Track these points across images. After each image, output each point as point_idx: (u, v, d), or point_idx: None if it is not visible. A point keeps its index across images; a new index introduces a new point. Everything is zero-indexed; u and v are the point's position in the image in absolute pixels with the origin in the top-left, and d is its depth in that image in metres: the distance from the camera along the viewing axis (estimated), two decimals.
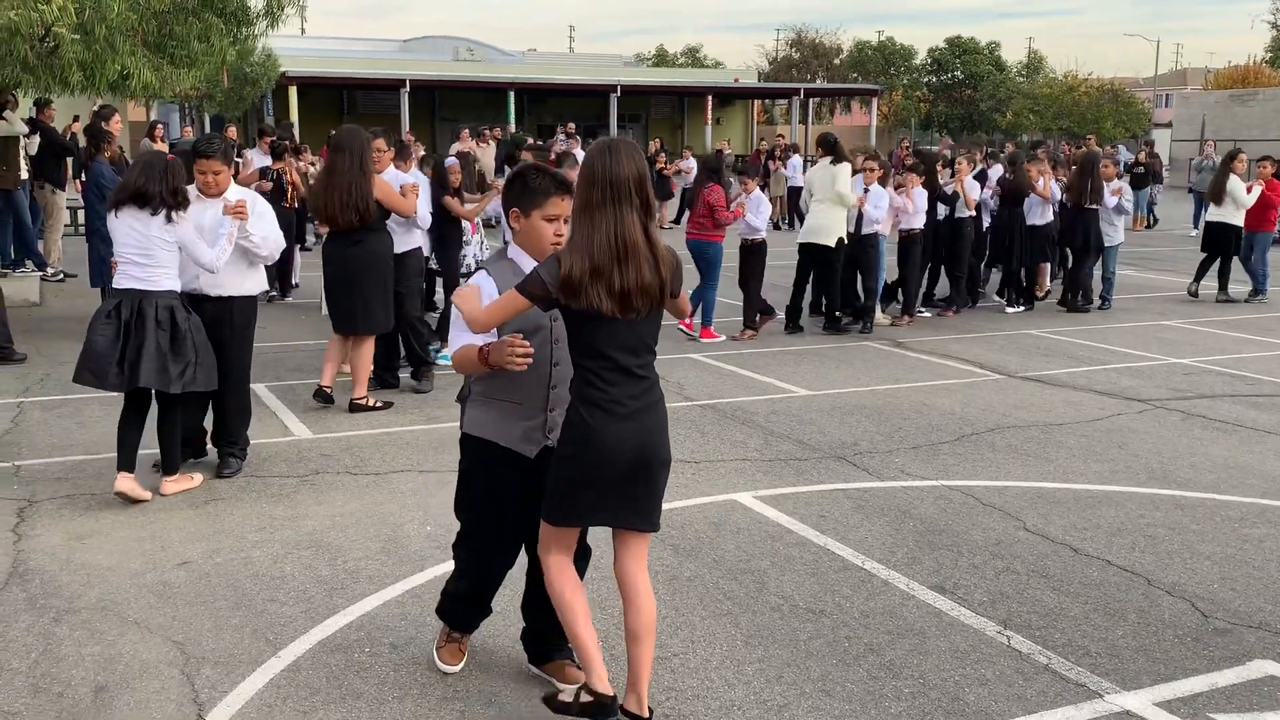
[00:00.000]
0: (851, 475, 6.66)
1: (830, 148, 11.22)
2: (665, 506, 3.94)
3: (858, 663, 4.30)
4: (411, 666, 4.24)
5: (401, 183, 8.28)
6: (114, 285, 6.02)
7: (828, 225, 11.02)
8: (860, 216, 11.26)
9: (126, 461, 5.95)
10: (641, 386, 3.55)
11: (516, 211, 3.73)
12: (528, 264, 3.70)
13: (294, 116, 38.53)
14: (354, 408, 7.93)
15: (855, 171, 11.33)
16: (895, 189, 11.71)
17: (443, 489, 6.30)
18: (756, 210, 10.88)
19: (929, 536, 5.66)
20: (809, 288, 11.48)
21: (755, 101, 59.50)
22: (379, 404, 8.04)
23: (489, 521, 3.95)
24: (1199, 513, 6.06)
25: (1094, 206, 12.73)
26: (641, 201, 3.47)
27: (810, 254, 11.19)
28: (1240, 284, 14.53)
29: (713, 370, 9.61)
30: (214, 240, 6.15)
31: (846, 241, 11.16)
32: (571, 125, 27.43)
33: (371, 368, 8.20)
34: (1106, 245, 13.12)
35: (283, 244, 6.67)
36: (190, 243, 6.02)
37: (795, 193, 22.48)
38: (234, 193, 6.39)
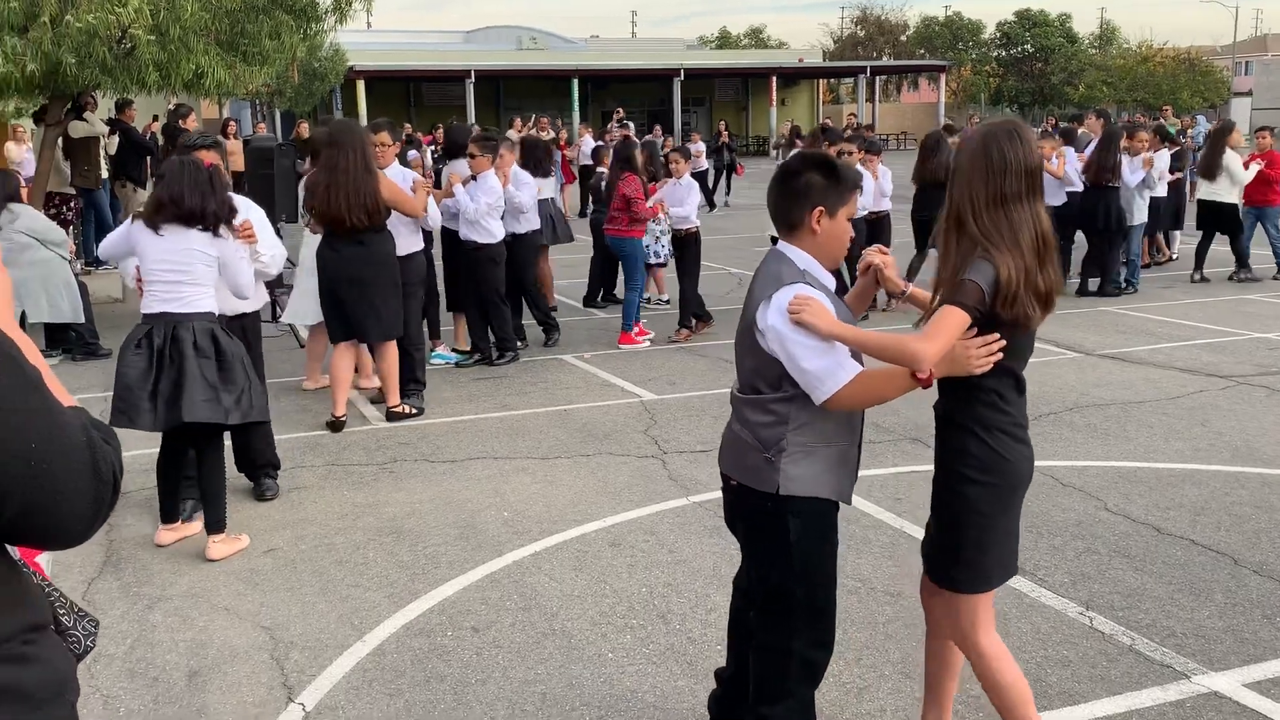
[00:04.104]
0: (926, 457, 6.56)
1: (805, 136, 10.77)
2: None
3: None
4: (493, 650, 4.30)
5: (413, 179, 7.77)
6: (143, 310, 5.33)
7: None
8: None
9: (170, 511, 5.49)
10: (1025, 402, 3.18)
11: (822, 211, 3.06)
12: (824, 276, 3.13)
13: (362, 110, 39.08)
14: (391, 416, 7.58)
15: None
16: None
17: (518, 475, 6.38)
18: (682, 198, 9.82)
19: None
20: None
21: (821, 81, 59.07)
22: (414, 410, 7.68)
23: (833, 598, 3.24)
24: None
25: (1114, 185, 11.86)
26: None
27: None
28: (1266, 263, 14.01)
29: None
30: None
31: None
32: (620, 111, 27.20)
33: (397, 371, 7.62)
34: (1128, 225, 12.18)
35: (284, 254, 6.17)
36: (234, 261, 5.38)
37: None
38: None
